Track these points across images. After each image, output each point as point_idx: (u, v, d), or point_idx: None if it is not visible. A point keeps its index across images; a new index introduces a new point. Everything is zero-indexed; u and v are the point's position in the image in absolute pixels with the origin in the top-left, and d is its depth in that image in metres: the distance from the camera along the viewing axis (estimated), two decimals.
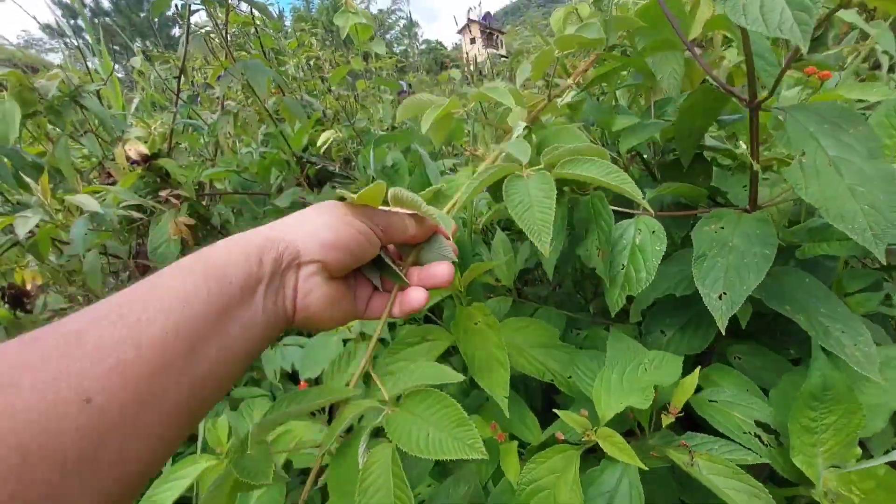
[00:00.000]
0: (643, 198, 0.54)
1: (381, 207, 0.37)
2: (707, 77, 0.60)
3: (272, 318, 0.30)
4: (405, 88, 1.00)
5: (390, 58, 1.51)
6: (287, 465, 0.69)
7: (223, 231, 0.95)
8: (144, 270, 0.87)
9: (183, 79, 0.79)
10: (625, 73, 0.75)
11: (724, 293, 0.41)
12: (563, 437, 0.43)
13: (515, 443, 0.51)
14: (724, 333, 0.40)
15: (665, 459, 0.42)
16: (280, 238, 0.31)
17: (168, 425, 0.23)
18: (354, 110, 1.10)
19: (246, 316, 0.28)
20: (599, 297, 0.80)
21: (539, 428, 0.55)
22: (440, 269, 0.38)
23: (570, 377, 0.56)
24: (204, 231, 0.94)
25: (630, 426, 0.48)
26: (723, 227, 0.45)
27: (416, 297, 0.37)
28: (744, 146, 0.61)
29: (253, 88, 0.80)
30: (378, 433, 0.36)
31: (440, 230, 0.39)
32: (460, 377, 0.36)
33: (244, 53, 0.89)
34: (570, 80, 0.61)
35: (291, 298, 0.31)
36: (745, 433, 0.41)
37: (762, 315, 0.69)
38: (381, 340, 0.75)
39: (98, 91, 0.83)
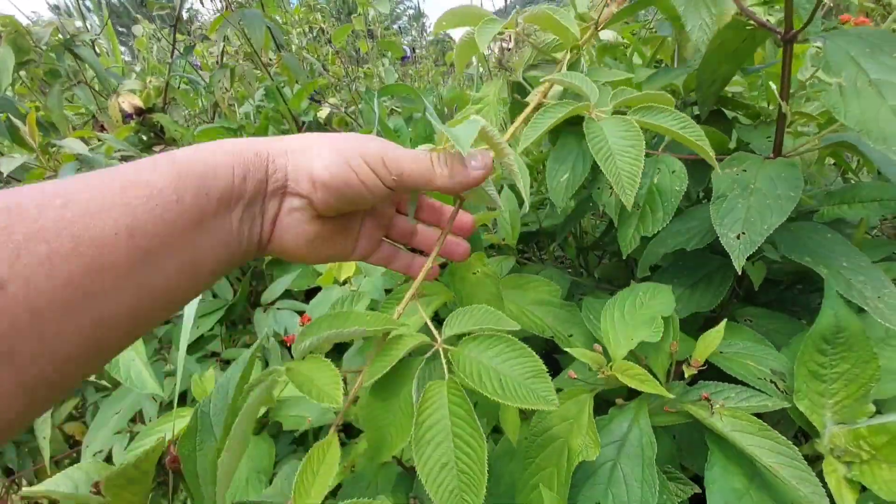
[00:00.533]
0: (662, 145, 0.51)
1: (419, 148, 0.33)
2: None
3: (244, 241, 0.27)
4: (409, 54, 0.96)
5: (394, 35, 1.47)
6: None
7: None
8: None
9: (179, 27, 0.77)
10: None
11: (743, 233, 0.38)
12: (574, 375, 0.40)
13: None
14: (739, 273, 0.37)
15: (680, 415, 0.39)
16: (271, 158, 0.28)
17: (106, 328, 0.21)
18: (356, 75, 1.07)
19: (218, 233, 0.26)
20: (604, 265, 0.77)
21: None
22: (465, 219, 0.36)
23: (570, 335, 0.54)
24: None
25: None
26: (745, 170, 0.42)
27: (460, 247, 0.35)
28: (774, 86, 0.57)
29: (250, 40, 0.78)
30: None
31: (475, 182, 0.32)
32: (517, 326, 0.30)
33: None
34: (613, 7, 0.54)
35: (269, 227, 0.29)
36: (759, 379, 0.38)
37: (775, 283, 0.66)
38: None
39: (93, 42, 0.80)
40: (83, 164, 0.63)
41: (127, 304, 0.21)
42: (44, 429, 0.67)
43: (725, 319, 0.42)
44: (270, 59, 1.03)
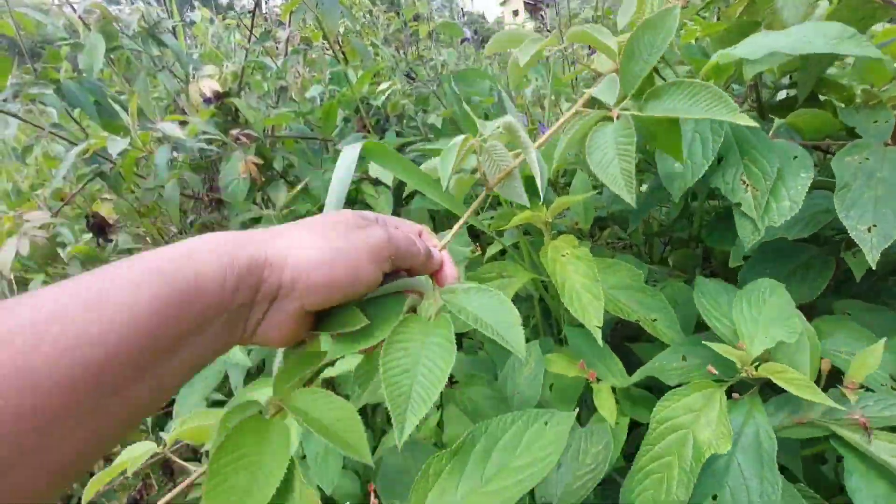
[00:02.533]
0: (771, 130, 0.49)
1: (426, 235, 0.35)
2: None
3: (222, 346, 0.25)
4: (468, 36, 0.96)
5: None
6: None
7: (284, 175, 0.96)
8: (219, 205, 0.90)
9: (257, 12, 0.79)
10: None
11: (874, 225, 0.36)
12: (714, 371, 0.40)
13: (609, 385, 0.49)
14: (874, 268, 0.36)
15: (815, 429, 0.37)
16: (267, 264, 0.26)
17: (66, 464, 0.19)
18: (413, 60, 1.07)
19: (195, 347, 0.23)
20: (676, 251, 0.76)
21: (624, 371, 0.52)
22: (450, 272, 0.35)
23: (654, 320, 0.53)
24: (267, 174, 0.95)
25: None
26: (867, 158, 0.40)
27: (450, 272, 0.35)
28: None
29: (322, 24, 0.79)
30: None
31: (443, 264, 0.35)
32: (519, 319, 0.33)
33: None
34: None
35: (252, 326, 0.27)
36: (882, 385, 0.37)
37: (869, 272, 0.63)
38: None
39: (174, 28, 0.83)
40: (177, 146, 0.66)
41: (84, 441, 0.20)
42: None
43: (883, 340, 0.40)
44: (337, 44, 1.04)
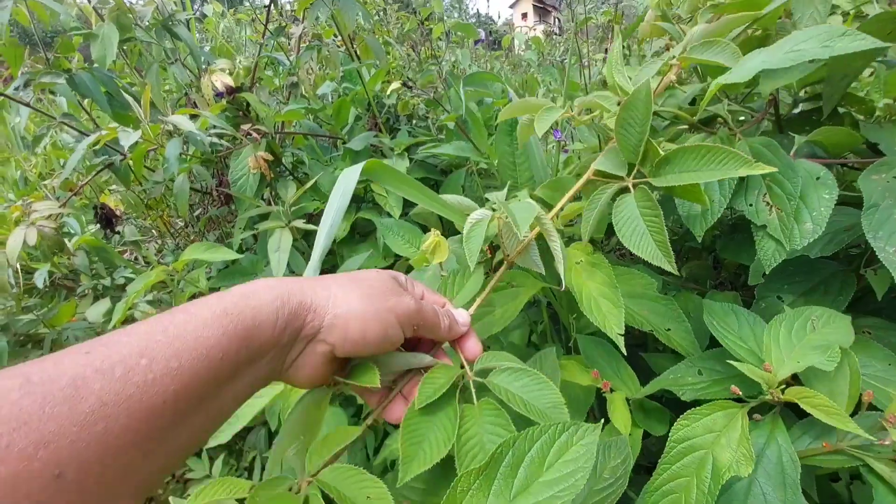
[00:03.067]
0: (794, 147, 0.48)
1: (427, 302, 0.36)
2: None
3: (267, 377, 0.29)
4: (482, 36, 0.95)
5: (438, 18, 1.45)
6: None
7: (293, 172, 0.95)
8: (227, 200, 0.89)
9: (273, 8, 0.78)
10: None
11: None
12: (738, 391, 0.39)
13: (623, 394, 0.48)
14: None
15: (843, 458, 0.36)
16: (312, 308, 0.29)
17: (133, 495, 0.21)
18: (426, 59, 1.06)
19: (247, 378, 0.27)
20: (689, 260, 0.75)
21: (636, 381, 0.52)
22: (474, 345, 0.39)
23: (668, 330, 0.52)
24: (276, 170, 0.95)
25: None
26: (894, 177, 0.39)
27: (474, 347, 0.38)
28: None
29: (336, 22, 0.78)
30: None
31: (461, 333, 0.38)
32: (562, 399, 0.36)
33: None
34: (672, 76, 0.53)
35: (289, 363, 0.30)
36: None
37: (890, 288, 0.62)
38: None
39: (188, 22, 0.83)
40: (188, 140, 0.65)
41: (157, 464, 0.22)
42: None
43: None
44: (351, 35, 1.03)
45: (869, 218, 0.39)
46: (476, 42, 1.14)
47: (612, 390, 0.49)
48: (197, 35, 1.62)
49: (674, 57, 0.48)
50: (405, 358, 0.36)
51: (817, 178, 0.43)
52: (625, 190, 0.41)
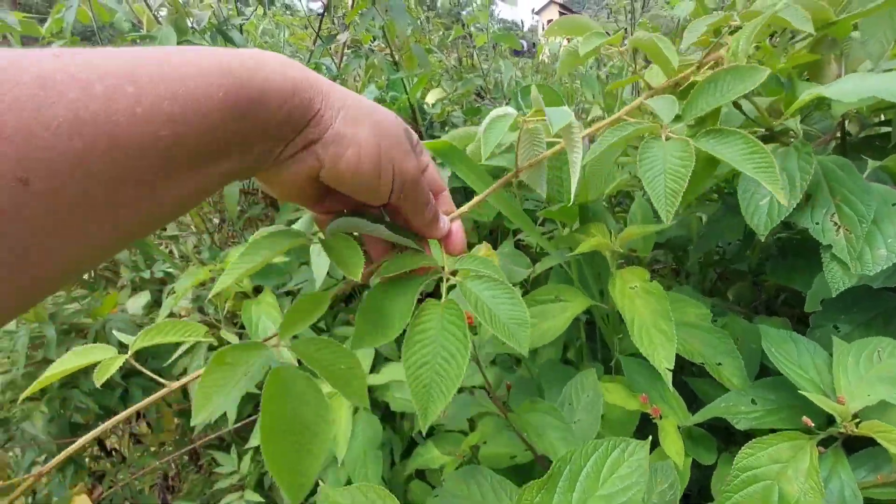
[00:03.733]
0: (867, 170, 0.47)
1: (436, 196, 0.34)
2: None
3: (251, 168, 0.25)
4: (526, 47, 0.95)
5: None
6: None
7: None
8: (272, 202, 0.91)
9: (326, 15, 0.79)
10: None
11: None
12: (811, 423, 0.38)
13: (675, 421, 0.48)
14: None
15: None
16: (322, 112, 0.25)
17: (120, 235, 0.19)
18: (467, 68, 1.06)
19: (234, 162, 0.23)
20: (735, 283, 0.74)
21: (685, 408, 0.51)
22: (458, 239, 0.35)
23: (720, 364, 0.51)
24: None
25: None
26: None
27: (458, 241, 0.35)
28: None
29: (385, 32, 0.79)
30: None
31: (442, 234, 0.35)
32: (528, 318, 0.33)
33: None
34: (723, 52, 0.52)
35: (270, 163, 0.25)
36: None
37: None
38: None
39: (241, 26, 0.85)
40: None
41: (146, 212, 0.19)
42: None
43: None
44: (396, 44, 1.04)
45: None
46: (517, 52, 1.14)
47: (661, 417, 0.48)
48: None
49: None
50: (390, 228, 0.32)
51: (893, 205, 0.42)
52: (655, 135, 0.40)
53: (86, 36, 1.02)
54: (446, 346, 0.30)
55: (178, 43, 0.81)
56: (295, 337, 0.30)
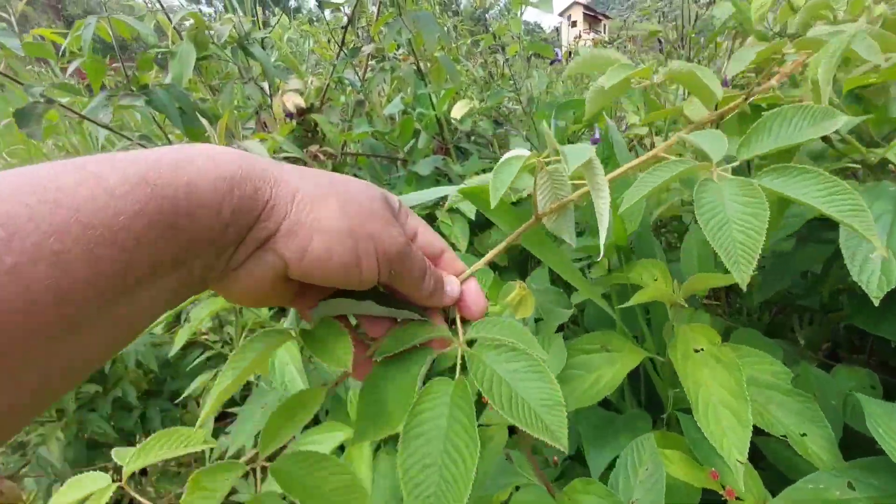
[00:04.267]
0: None
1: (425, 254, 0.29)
2: None
3: (196, 287, 0.21)
4: (559, 56, 0.89)
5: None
6: None
7: None
8: None
9: (349, 28, 0.75)
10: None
11: None
12: None
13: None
14: None
15: None
16: (271, 204, 0.21)
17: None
18: (498, 78, 1.01)
19: (170, 282, 0.19)
20: (809, 324, 0.65)
21: (761, 486, 0.43)
22: (476, 299, 0.31)
23: (804, 435, 0.44)
24: None
25: None
26: None
27: (476, 301, 0.31)
28: None
29: (413, 43, 0.74)
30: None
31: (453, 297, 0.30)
32: (544, 354, 0.28)
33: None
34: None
35: (224, 270, 0.22)
36: None
37: None
38: None
39: (262, 40, 0.82)
40: None
41: (35, 381, 0.16)
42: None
43: None
44: (423, 56, 1.00)
45: None
46: (552, 62, 1.08)
47: (738, 498, 0.41)
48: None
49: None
50: (387, 304, 0.29)
51: None
52: (705, 176, 0.33)
53: (109, 49, 1.00)
54: (454, 442, 0.24)
55: (199, 59, 0.78)
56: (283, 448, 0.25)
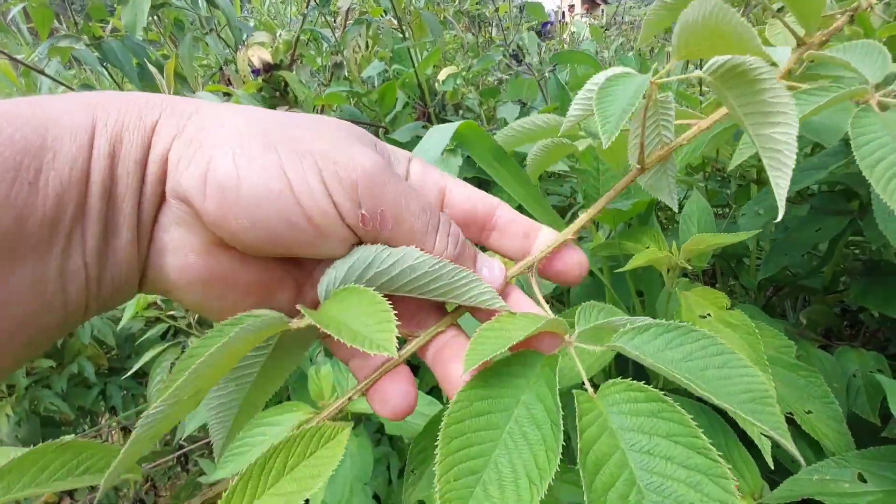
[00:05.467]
0: None
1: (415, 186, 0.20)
2: None
3: (87, 279, 0.16)
4: (552, 19, 0.82)
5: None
6: None
7: None
8: None
9: None
10: None
11: None
12: None
13: (747, 494, 0.36)
14: None
15: None
16: (157, 132, 0.16)
17: None
18: (485, 41, 0.94)
19: (38, 268, 0.14)
20: (808, 304, 0.61)
21: (757, 470, 0.39)
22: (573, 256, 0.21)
23: (809, 412, 0.39)
24: None
25: None
26: None
27: (573, 260, 0.21)
28: None
29: (392, 2, 0.67)
30: None
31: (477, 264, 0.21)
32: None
33: None
34: None
35: (134, 249, 0.17)
36: None
37: None
38: None
39: None
40: None
41: None
42: None
43: None
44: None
45: None
46: (544, 24, 1.01)
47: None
48: (243, 13, 1.56)
49: None
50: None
51: None
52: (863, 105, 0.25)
53: None
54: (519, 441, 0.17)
55: (155, 6, 0.71)
56: None
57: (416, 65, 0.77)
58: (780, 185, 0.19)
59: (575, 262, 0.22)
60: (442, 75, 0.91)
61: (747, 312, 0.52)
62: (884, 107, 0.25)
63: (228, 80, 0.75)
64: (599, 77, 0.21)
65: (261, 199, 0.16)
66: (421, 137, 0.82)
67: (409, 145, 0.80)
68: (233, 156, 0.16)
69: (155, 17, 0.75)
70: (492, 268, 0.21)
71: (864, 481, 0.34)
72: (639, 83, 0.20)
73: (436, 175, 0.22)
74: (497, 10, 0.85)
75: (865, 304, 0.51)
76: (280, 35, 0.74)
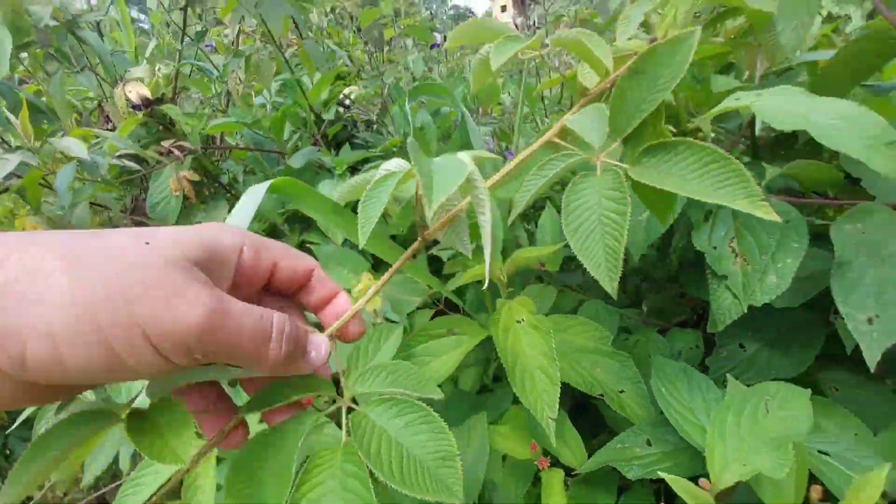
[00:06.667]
0: (764, 180, 0.43)
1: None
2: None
3: None
4: (439, 41, 0.88)
5: (417, 13, 1.36)
6: None
7: (231, 190, 0.87)
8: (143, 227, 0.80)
9: (191, 11, 0.69)
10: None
11: (876, 316, 0.30)
12: (708, 486, 0.31)
13: (561, 473, 0.42)
14: (872, 370, 0.29)
15: None
16: None
17: None
18: (381, 63, 0.98)
19: None
20: (654, 293, 0.70)
21: (583, 449, 0.46)
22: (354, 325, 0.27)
23: (622, 392, 0.47)
24: (212, 189, 0.86)
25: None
26: (870, 228, 0.34)
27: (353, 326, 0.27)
28: None
29: (268, 27, 0.70)
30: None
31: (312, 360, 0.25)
32: (440, 394, 0.27)
33: None
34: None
35: None
36: None
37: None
38: None
39: (98, 24, 0.73)
40: (84, 166, 0.57)
41: None
42: None
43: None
44: (290, 41, 0.95)
45: (839, 279, 0.33)
46: (432, 46, 1.06)
47: (551, 466, 0.43)
48: (143, 25, 1.49)
49: None
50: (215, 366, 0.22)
51: (787, 222, 0.37)
52: (589, 166, 0.30)
53: None
54: None
55: (16, 47, 0.69)
56: None
57: (305, 93, 0.80)
58: (487, 240, 0.26)
59: (357, 331, 0.27)
60: (349, 91, 0.94)
61: (593, 307, 0.60)
62: (606, 168, 0.29)
63: (108, 116, 0.74)
64: (378, 171, 0.26)
65: (87, 370, 0.17)
66: (314, 162, 0.85)
67: (304, 171, 0.82)
68: (49, 347, 0.16)
69: (17, 57, 0.73)
70: (318, 348, 0.25)
71: (650, 445, 0.42)
72: (390, 188, 0.25)
73: (265, 253, 0.24)
74: (382, 34, 0.89)
75: (690, 291, 0.60)
76: (159, 69, 0.74)
